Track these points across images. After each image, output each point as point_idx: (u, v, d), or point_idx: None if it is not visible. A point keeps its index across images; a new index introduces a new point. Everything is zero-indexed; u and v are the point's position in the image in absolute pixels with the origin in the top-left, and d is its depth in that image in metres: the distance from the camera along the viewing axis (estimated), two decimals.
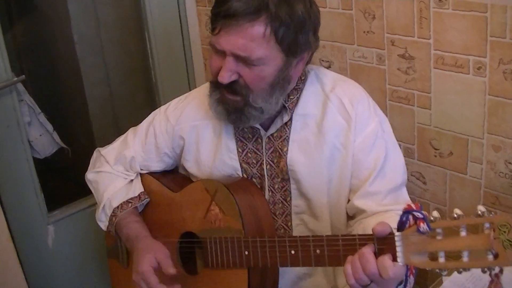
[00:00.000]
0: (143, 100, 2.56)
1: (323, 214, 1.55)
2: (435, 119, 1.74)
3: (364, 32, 1.83)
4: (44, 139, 2.27)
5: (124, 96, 2.96)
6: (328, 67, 2.00)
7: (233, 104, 1.42)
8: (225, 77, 1.36)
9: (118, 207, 1.66)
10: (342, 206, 1.54)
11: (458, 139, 1.71)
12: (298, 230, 1.59)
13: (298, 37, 1.35)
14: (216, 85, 1.43)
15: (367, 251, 1.18)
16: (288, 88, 1.46)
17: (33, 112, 2.21)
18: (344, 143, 1.48)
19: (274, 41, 1.33)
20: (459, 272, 1.07)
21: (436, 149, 1.77)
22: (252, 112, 1.42)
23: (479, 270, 1.06)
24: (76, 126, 3.10)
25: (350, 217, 1.55)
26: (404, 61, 1.75)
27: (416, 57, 1.71)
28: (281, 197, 1.56)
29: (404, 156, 1.84)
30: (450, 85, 1.66)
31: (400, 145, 1.85)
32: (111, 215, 1.67)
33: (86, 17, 2.86)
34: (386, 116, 1.84)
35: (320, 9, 1.46)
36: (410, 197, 1.87)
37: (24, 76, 2.09)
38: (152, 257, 1.50)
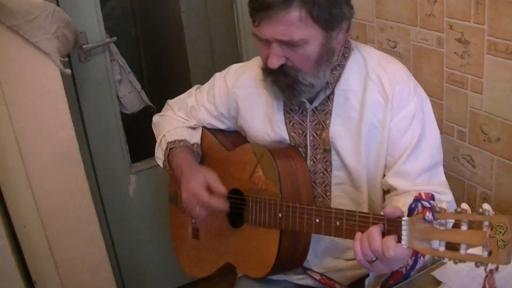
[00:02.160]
0: None
1: (362, 186, 1.63)
2: (486, 104, 1.76)
3: (426, 15, 1.87)
4: (132, 96, 2.47)
5: (227, 65, 3.10)
6: (394, 47, 2.05)
7: (285, 83, 1.53)
8: (275, 63, 1.48)
9: (171, 141, 1.82)
10: (378, 181, 1.61)
11: (507, 126, 1.71)
12: (336, 201, 1.67)
13: (332, 12, 1.43)
14: (267, 71, 1.55)
15: (375, 230, 1.26)
16: (333, 60, 1.55)
17: (124, 71, 2.41)
18: (382, 121, 1.55)
19: (311, 21, 1.42)
20: (455, 263, 1.14)
21: (485, 133, 1.79)
22: (303, 88, 1.53)
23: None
24: (177, 90, 3.31)
25: (386, 192, 1.63)
26: (460, 45, 1.77)
27: (471, 42, 1.73)
28: (322, 167, 1.66)
29: (456, 139, 1.90)
30: (502, 72, 1.67)
31: (453, 128, 1.90)
32: (165, 149, 1.83)
33: None
34: (443, 98, 1.90)
35: None
36: (459, 179, 1.93)
37: (115, 37, 2.29)
38: (202, 176, 1.64)
